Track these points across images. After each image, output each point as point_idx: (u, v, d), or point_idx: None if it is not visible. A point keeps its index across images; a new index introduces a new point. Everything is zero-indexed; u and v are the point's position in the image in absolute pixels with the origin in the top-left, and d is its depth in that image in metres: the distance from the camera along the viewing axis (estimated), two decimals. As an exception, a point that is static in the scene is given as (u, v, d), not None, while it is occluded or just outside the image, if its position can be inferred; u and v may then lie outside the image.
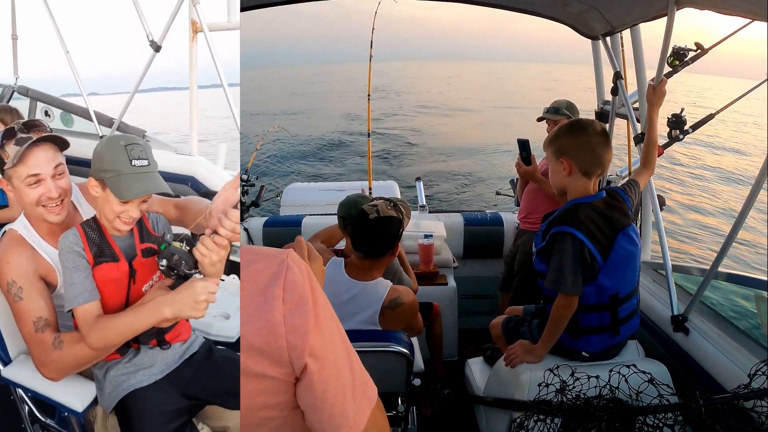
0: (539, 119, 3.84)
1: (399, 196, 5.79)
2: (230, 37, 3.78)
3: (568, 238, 2.15)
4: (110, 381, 1.93)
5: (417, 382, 2.55)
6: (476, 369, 3.11)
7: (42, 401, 2.08)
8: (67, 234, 1.83)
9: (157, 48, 4.09)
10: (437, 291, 3.64)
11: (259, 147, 7.23)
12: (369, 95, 5.12)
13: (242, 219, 4.87)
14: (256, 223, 4.62)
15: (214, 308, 2.89)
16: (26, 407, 2.19)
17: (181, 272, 1.70)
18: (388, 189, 5.74)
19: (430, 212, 4.95)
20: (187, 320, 2.10)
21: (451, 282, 3.77)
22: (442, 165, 19.02)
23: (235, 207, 1.61)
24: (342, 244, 3.18)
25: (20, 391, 2.15)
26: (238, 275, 3.47)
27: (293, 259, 0.93)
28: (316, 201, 5.65)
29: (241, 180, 5.11)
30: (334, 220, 2.97)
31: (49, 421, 2.19)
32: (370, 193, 4.93)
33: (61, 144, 1.91)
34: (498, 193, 5.71)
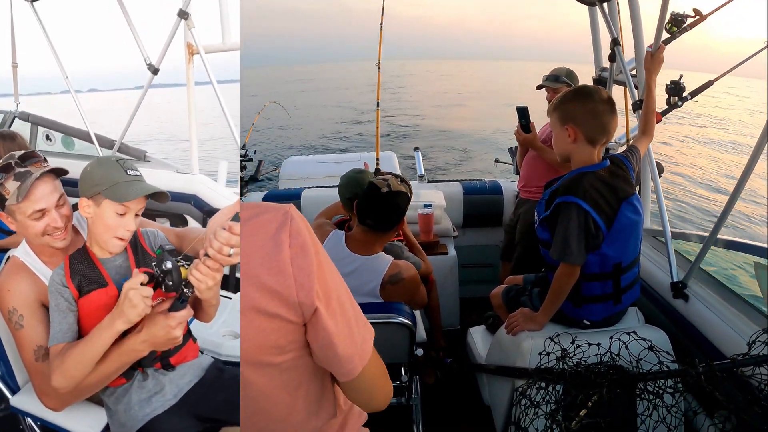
0: (539, 87, 3.81)
1: (397, 166, 5.78)
2: (228, 55, 3.81)
3: (573, 208, 2.14)
4: (124, 410, 1.90)
5: (420, 352, 2.58)
6: (478, 338, 3.14)
7: (51, 430, 2.05)
8: (54, 272, 1.82)
9: (154, 71, 4.11)
10: (438, 260, 3.65)
11: (255, 121, 7.17)
12: (379, 64, 5.06)
13: (242, 194, 4.87)
14: (256, 197, 4.62)
15: (223, 327, 2.89)
16: None
17: (167, 286, 1.66)
18: (386, 159, 5.71)
19: (429, 182, 4.95)
20: (195, 341, 2.09)
21: (452, 251, 3.78)
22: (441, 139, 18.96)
23: (225, 229, 1.55)
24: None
25: (29, 420, 2.13)
26: None
27: (295, 211, 1.04)
28: (314, 174, 5.64)
29: (240, 156, 5.11)
30: (333, 192, 2.96)
31: None
32: (377, 163, 4.91)
33: (60, 173, 1.91)
34: (497, 161, 5.70)
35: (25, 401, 2.04)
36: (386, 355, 1.41)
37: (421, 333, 2.93)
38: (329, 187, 4.36)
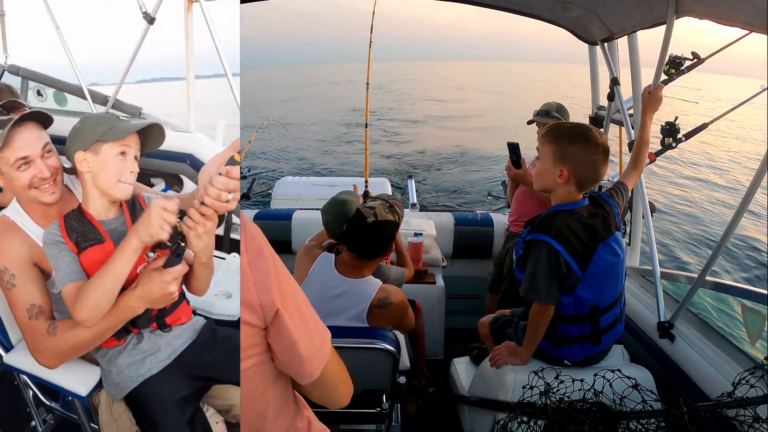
0: (529, 122, 3.85)
1: (390, 193, 5.78)
2: (227, 13, 3.75)
3: (543, 246, 2.12)
4: (118, 370, 1.90)
5: (402, 380, 2.55)
6: (462, 369, 3.12)
7: (45, 386, 2.06)
8: (48, 229, 1.82)
9: (150, 20, 4.01)
10: (425, 289, 3.64)
11: (252, 139, 7.18)
12: (368, 84, 5.06)
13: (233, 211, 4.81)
14: (247, 215, 4.60)
15: (215, 287, 2.86)
16: (30, 391, 2.19)
17: (162, 243, 1.66)
18: (380, 185, 5.73)
19: (420, 210, 4.95)
20: (188, 303, 2.08)
21: (440, 281, 3.77)
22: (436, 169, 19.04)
23: (221, 174, 1.53)
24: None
25: (23, 376, 2.14)
26: (239, 253, 3.47)
27: (246, 219, 1.10)
28: (307, 195, 5.63)
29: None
30: None
31: (53, 404, 2.19)
32: (366, 187, 4.91)
33: (45, 121, 1.88)
34: (489, 194, 5.72)
35: (19, 359, 2.05)
36: (368, 381, 1.40)
37: (405, 361, 2.91)
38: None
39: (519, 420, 2.11)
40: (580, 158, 2.16)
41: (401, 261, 3.13)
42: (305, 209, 4.62)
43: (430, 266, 3.87)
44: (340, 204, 2.61)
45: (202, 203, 1.57)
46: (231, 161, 1.52)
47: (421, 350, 3.21)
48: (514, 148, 3.58)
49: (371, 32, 5.05)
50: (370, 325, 2.42)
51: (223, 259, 3.29)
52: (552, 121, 3.57)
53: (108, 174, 1.79)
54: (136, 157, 1.84)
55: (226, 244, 3.45)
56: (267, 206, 5.72)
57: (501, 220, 4.54)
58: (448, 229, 4.47)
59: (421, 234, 3.70)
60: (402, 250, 3.15)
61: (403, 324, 2.58)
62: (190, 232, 1.61)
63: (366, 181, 5.00)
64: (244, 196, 4.78)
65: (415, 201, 5.21)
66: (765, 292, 2.21)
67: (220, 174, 1.53)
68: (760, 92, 2.69)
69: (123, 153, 1.79)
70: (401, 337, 2.80)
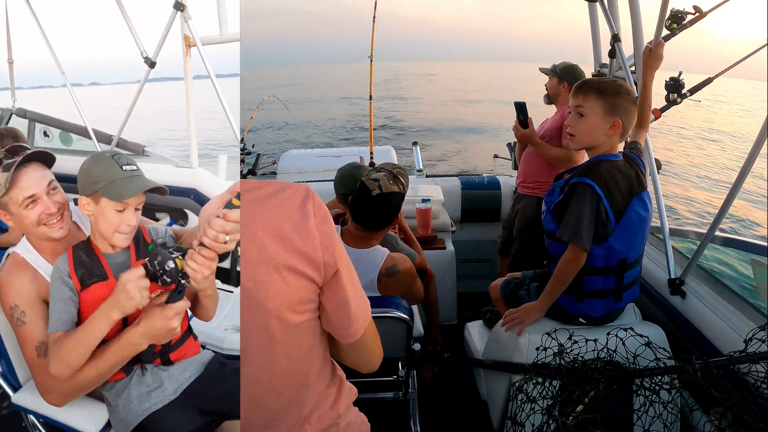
0: (544, 71, 3.76)
1: (396, 161, 5.76)
2: (227, 49, 3.79)
3: (588, 190, 2.13)
4: (124, 405, 1.90)
5: (417, 346, 2.57)
6: (475, 332, 3.14)
7: (54, 426, 2.05)
8: (59, 260, 1.83)
9: (151, 64, 4.10)
10: (435, 255, 3.65)
11: (254, 115, 7.15)
12: (371, 57, 5.04)
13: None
14: None
15: (225, 322, 2.86)
16: None
17: (163, 280, 1.65)
18: (385, 154, 5.70)
19: (427, 176, 4.94)
20: (195, 339, 2.09)
21: (450, 246, 3.78)
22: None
23: (218, 217, 1.54)
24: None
25: (32, 417, 2.13)
26: None
27: (311, 190, 1.19)
28: (313, 167, 5.62)
29: (239, 150, 5.11)
30: (330, 186, 2.95)
31: None
32: (371, 157, 4.90)
33: (47, 160, 1.90)
34: (496, 156, 5.69)
35: (27, 398, 2.05)
36: (383, 349, 1.42)
37: (419, 328, 2.93)
38: (327, 181, 4.33)
39: (534, 381, 2.14)
40: (627, 108, 2.21)
41: (411, 244, 3.10)
42: (311, 181, 4.62)
43: (440, 232, 3.87)
44: (352, 167, 2.64)
45: (202, 244, 1.59)
46: (229, 205, 1.52)
47: (435, 317, 3.23)
48: (521, 108, 3.54)
49: (375, 8, 5.03)
50: (381, 294, 2.44)
51: (231, 292, 3.29)
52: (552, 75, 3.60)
53: (105, 225, 1.81)
54: (137, 208, 1.84)
55: (233, 277, 3.48)
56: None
57: (508, 182, 4.53)
58: (455, 194, 4.47)
59: (428, 200, 3.70)
60: (410, 234, 3.15)
61: (413, 293, 2.58)
62: (196, 275, 1.63)
63: (371, 153, 4.99)
64: (250, 172, 4.79)
65: (421, 167, 5.19)
66: None
67: (217, 216, 1.54)
68: (762, 47, 2.64)
69: (121, 210, 1.79)
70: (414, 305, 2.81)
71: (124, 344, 1.75)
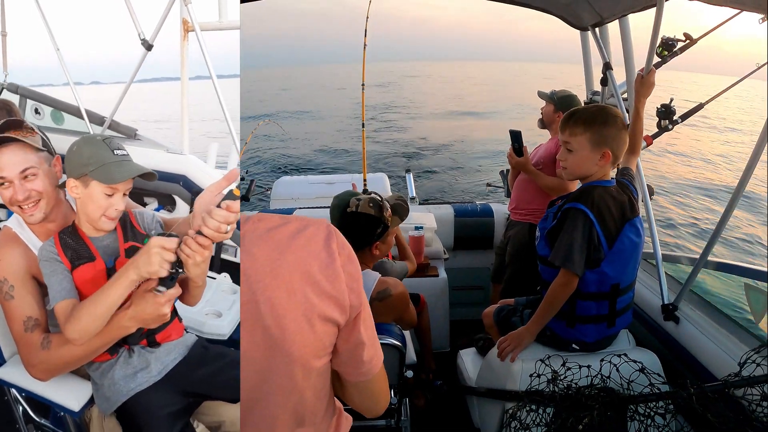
0: (542, 95, 3.79)
1: (389, 187, 5.77)
2: (226, 37, 3.76)
3: (580, 215, 2.15)
4: (109, 384, 1.91)
5: (410, 374, 2.55)
6: (468, 360, 3.12)
7: (36, 401, 2.06)
8: (44, 245, 1.84)
9: (148, 47, 4.07)
10: (428, 283, 3.65)
11: (248, 141, 7.17)
12: (363, 85, 5.07)
13: (248, 198, 4.84)
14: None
15: (206, 306, 2.86)
16: (20, 407, 2.16)
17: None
18: (378, 181, 5.72)
19: (420, 204, 4.94)
20: (180, 321, 2.10)
21: (442, 273, 3.77)
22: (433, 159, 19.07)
23: (219, 206, 1.55)
24: None
25: (14, 391, 2.12)
26: (231, 274, 3.44)
27: (335, 229, 1.14)
28: (306, 194, 5.62)
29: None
30: (323, 213, 2.95)
31: (43, 421, 2.16)
32: (365, 184, 4.91)
33: (33, 147, 1.89)
34: (489, 185, 5.71)
35: (11, 373, 2.04)
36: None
37: (411, 355, 2.91)
38: (320, 208, 4.35)
39: (528, 408, 2.12)
40: (616, 136, 2.21)
41: (403, 255, 3.14)
42: (304, 208, 4.61)
43: (432, 259, 3.86)
44: (349, 195, 2.65)
45: (200, 233, 1.59)
46: (230, 196, 1.53)
47: (428, 344, 3.21)
48: (516, 136, 3.56)
49: (365, 36, 5.06)
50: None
51: (214, 279, 3.29)
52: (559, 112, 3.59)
53: (93, 208, 1.81)
54: (125, 193, 1.85)
55: (216, 264, 3.48)
56: (267, 206, 5.72)
57: (501, 209, 4.54)
58: (448, 222, 4.47)
59: (421, 227, 3.70)
60: (403, 243, 3.15)
61: (405, 318, 2.56)
62: (188, 260, 1.63)
63: (365, 181, 5.00)
64: (244, 198, 4.78)
65: (414, 195, 5.20)
66: (767, 270, 2.22)
67: (218, 207, 1.55)
68: (757, 69, 2.68)
69: (110, 194, 1.80)
70: (406, 332, 2.79)
71: (114, 326, 1.74)
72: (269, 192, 5.92)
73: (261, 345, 1.05)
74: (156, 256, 1.61)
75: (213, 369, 2.01)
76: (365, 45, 4.99)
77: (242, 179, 4.99)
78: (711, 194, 14.84)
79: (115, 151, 1.79)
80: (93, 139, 1.81)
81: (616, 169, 2.42)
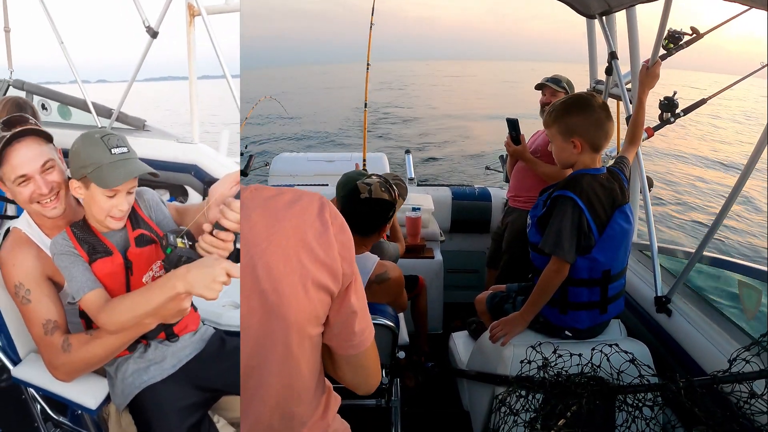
0: (538, 86, 3.81)
1: (388, 168, 5.76)
2: (229, 21, 3.73)
3: (568, 203, 2.17)
4: (122, 378, 1.90)
5: (401, 354, 2.57)
6: (460, 343, 3.14)
7: (54, 399, 2.04)
8: (56, 238, 1.79)
9: (153, 34, 4.01)
10: (424, 264, 3.66)
11: (249, 116, 7.14)
12: (368, 64, 5.04)
13: (246, 173, 4.83)
14: None
15: (224, 298, 2.85)
16: (38, 406, 2.15)
17: (178, 262, 1.65)
18: (377, 160, 5.70)
19: (418, 185, 4.94)
20: (196, 310, 2.08)
21: (438, 255, 3.78)
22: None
23: (237, 197, 1.53)
24: None
25: (31, 390, 2.11)
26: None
27: (325, 198, 1.17)
28: (305, 171, 5.61)
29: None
30: (322, 191, 2.95)
31: (61, 419, 2.15)
32: (364, 163, 4.90)
33: (45, 136, 1.85)
34: (488, 168, 5.70)
35: (27, 372, 2.03)
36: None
37: (404, 336, 2.92)
38: (319, 185, 4.34)
39: (517, 394, 2.13)
40: (585, 124, 2.24)
41: (394, 237, 3.14)
42: (303, 185, 4.60)
43: (429, 241, 3.87)
44: (357, 174, 2.65)
45: (219, 226, 1.57)
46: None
47: (424, 326, 3.23)
48: (513, 124, 3.55)
49: (372, 14, 5.02)
50: (369, 301, 2.42)
51: None
52: (560, 92, 3.64)
53: (97, 210, 1.78)
54: (129, 192, 1.81)
55: (233, 254, 3.44)
56: (264, 183, 5.70)
57: (499, 194, 4.54)
58: (446, 204, 4.47)
59: (419, 209, 3.70)
60: (396, 226, 3.15)
61: (399, 302, 2.58)
62: (210, 256, 1.60)
63: (364, 160, 4.99)
64: (242, 173, 4.77)
65: (413, 176, 5.19)
66: (764, 268, 2.22)
67: (237, 197, 1.53)
68: (760, 69, 2.67)
69: (111, 196, 1.76)
70: (400, 313, 2.81)
71: (136, 324, 1.74)
72: (268, 167, 5.91)
73: (258, 310, 1.06)
74: (219, 285, 1.58)
75: (229, 364, 1.98)
76: (372, 24, 4.96)
77: (241, 154, 4.99)
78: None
79: (113, 150, 1.73)
80: (91, 138, 1.75)
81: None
